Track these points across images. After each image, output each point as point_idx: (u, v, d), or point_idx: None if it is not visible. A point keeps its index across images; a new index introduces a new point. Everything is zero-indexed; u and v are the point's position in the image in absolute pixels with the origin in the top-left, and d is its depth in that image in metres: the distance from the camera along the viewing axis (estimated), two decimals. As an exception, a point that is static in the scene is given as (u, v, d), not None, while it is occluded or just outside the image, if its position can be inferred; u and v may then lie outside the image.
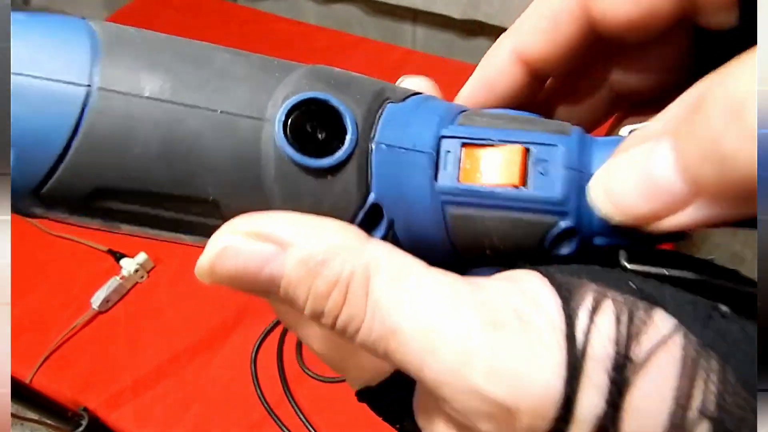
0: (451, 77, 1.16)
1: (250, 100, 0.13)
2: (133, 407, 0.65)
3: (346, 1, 1.52)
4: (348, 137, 0.14)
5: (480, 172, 0.14)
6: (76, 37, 0.13)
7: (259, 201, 0.14)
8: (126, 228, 0.14)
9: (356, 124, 0.14)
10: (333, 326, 0.13)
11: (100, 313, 0.72)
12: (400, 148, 0.14)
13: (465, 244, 0.15)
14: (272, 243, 0.13)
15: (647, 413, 0.11)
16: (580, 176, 0.14)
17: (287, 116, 0.13)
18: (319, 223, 0.13)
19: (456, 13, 1.33)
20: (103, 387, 0.66)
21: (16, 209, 0.14)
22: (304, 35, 1.14)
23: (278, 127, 0.13)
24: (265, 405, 0.64)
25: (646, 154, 0.12)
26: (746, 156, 0.10)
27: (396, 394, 0.16)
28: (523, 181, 0.14)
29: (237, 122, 0.13)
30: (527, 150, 0.14)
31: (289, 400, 0.64)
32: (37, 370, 0.67)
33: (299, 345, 0.68)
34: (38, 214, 0.14)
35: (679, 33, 0.15)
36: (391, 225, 0.14)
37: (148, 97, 0.13)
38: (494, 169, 0.14)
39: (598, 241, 0.14)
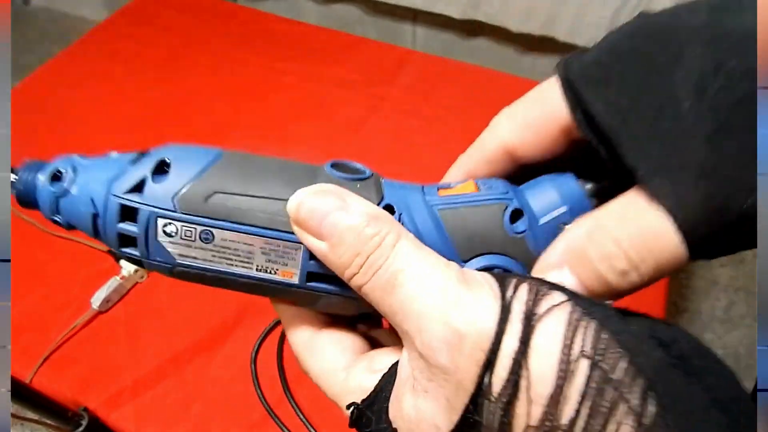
0: (451, 77, 1.15)
1: (309, 165, 0.22)
2: (133, 407, 0.65)
3: (346, 1, 1.52)
4: (367, 171, 0.22)
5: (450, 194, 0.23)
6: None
7: None
8: (219, 233, 0.20)
9: (370, 171, 0.22)
10: (362, 264, 0.19)
11: (100, 313, 0.72)
12: (398, 183, 0.23)
13: (455, 233, 0.21)
14: (340, 200, 0.19)
15: (544, 349, 0.16)
16: (513, 188, 0.22)
17: (333, 164, 0.22)
18: (369, 202, 0.20)
19: (456, 13, 1.33)
20: (103, 387, 0.66)
21: (148, 217, 0.20)
22: (304, 35, 1.14)
23: (329, 166, 0.22)
24: (265, 405, 0.64)
25: (557, 277, 0.19)
26: (622, 281, 0.18)
27: (377, 404, 0.21)
28: (477, 190, 0.22)
29: (304, 166, 0.22)
30: (475, 183, 0.23)
31: (289, 400, 0.64)
32: (37, 370, 0.67)
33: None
34: (156, 225, 0.21)
35: (577, 146, 0.22)
36: (401, 218, 0.21)
37: (253, 154, 0.22)
38: (459, 189, 0.23)
39: (543, 219, 0.21)
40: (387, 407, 0.20)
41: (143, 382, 0.66)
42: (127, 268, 0.72)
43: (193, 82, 1.04)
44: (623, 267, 0.18)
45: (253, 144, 0.94)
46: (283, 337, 0.69)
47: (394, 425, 0.19)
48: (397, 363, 0.21)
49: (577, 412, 0.15)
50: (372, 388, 0.21)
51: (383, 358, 0.22)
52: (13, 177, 0.21)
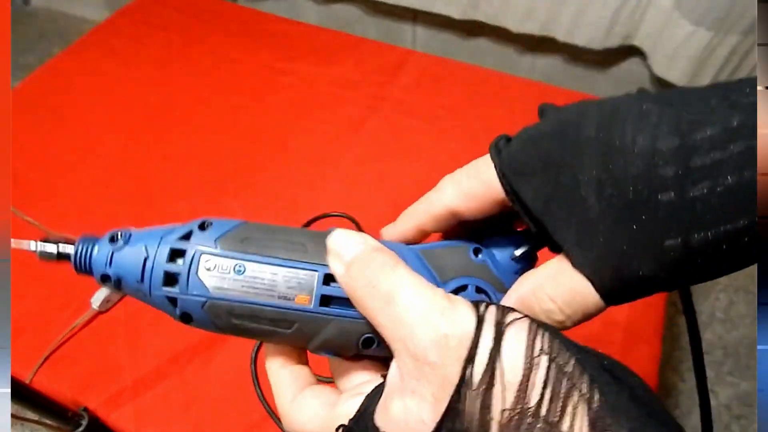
0: (451, 77, 1.15)
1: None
2: (133, 407, 0.65)
3: (346, 1, 1.52)
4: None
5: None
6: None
7: None
8: (250, 265, 0.26)
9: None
10: (366, 278, 0.24)
11: (100, 313, 0.72)
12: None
13: (433, 263, 0.27)
14: (362, 239, 0.25)
15: (513, 347, 0.20)
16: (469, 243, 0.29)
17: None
18: (378, 241, 0.26)
19: (456, 13, 1.33)
20: (103, 387, 0.66)
21: (197, 256, 0.26)
22: (304, 35, 1.14)
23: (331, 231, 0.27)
24: (265, 405, 0.64)
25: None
26: (559, 326, 0.24)
27: (363, 420, 0.24)
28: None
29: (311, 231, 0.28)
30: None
31: (289, 400, 0.64)
32: (37, 370, 0.67)
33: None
34: (201, 262, 0.26)
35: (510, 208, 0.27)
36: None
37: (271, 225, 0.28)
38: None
39: (497, 255, 0.28)
40: (374, 418, 0.23)
41: (143, 382, 0.66)
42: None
43: (192, 82, 1.04)
44: (560, 318, 0.24)
45: (253, 144, 0.94)
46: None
47: (382, 430, 0.22)
48: (379, 386, 0.24)
49: (542, 396, 0.19)
50: (357, 409, 0.24)
51: (366, 385, 0.26)
52: (70, 248, 0.27)
